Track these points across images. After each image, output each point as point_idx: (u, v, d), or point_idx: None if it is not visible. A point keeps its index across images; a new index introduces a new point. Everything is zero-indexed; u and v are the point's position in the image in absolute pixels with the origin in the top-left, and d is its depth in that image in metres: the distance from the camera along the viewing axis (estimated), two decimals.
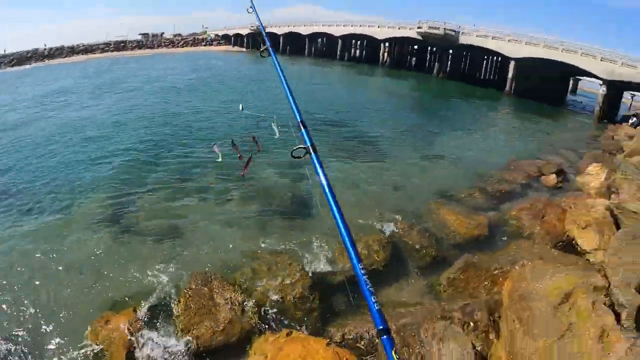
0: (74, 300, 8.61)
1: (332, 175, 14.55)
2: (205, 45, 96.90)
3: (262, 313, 8.18)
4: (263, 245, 10.27)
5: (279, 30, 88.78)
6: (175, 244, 10.51)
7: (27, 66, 69.94)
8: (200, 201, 12.89)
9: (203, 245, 10.43)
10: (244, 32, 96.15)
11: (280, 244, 10.29)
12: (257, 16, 5.85)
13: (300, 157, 2.83)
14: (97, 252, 10.13)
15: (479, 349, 6.49)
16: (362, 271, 2.16)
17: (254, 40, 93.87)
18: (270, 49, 4.72)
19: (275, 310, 8.31)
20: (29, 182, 14.36)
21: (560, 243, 11.00)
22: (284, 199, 12.76)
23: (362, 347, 7.12)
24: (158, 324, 7.96)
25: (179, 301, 8.35)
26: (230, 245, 10.32)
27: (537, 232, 11.38)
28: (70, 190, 13.65)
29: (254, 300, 8.33)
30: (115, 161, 16.17)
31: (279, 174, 14.49)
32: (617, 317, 6.55)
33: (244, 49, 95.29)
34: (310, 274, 9.04)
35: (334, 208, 2.46)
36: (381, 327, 1.98)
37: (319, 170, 2.66)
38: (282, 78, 3.85)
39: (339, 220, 2.41)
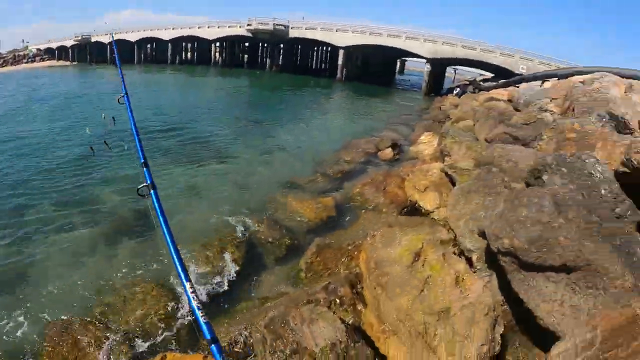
0: None
1: (172, 185, 14.03)
2: (27, 63, 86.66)
3: (132, 344, 7.56)
4: (117, 273, 9.45)
5: (106, 39, 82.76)
6: (19, 292, 9.24)
7: None
8: (40, 237, 11.56)
9: (51, 287, 9.26)
10: (69, 43, 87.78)
11: (135, 266, 9.54)
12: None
13: (144, 196, 3.15)
14: None
15: (350, 322, 6.58)
16: (190, 289, 2.41)
17: (80, 52, 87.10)
18: (125, 97, 5.15)
19: (143, 337, 7.76)
20: None
21: (405, 209, 11.63)
22: (127, 221, 11.86)
23: (239, 350, 6.90)
24: None
25: (42, 356, 7.43)
26: (80, 281, 9.34)
27: (382, 203, 11.91)
28: None
29: (119, 334, 7.69)
30: None
31: (120, 194, 13.49)
32: (469, 262, 7.11)
33: (69, 63, 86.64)
34: (168, 292, 8.55)
35: (167, 236, 2.75)
36: (210, 337, 2.26)
37: (156, 205, 3.00)
38: (132, 121, 4.42)
39: (171, 247, 2.68)
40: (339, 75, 56.04)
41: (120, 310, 8.28)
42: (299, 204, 12.14)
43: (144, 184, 3.19)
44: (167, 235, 2.72)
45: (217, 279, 8.95)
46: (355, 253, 8.76)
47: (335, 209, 11.81)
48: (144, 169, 3.45)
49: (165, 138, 20.96)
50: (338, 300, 7.13)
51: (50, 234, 11.23)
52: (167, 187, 13.64)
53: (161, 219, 2.82)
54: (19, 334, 7.85)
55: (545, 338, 5.50)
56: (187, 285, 2.43)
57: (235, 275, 9.18)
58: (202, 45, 76.24)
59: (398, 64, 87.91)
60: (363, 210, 11.71)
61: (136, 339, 7.62)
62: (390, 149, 18.18)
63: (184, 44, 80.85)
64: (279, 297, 8.07)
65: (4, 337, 7.74)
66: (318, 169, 15.94)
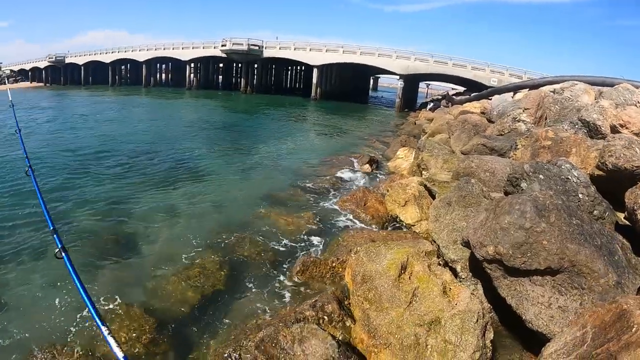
0: None
1: (149, 208, 13.89)
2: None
3: None
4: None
5: (80, 60, 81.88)
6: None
7: None
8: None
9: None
10: (42, 64, 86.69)
11: (107, 294, 9.28)
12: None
13: (61, 258, 3.25)
14: None
15: (340, 338, 6.58)
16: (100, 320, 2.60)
17: (54, 73, 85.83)
18: (30, 169, 5.30)
19: None
20: None
21: (386, 224, 11.73)
22: (102, 245, 11.56)
23: None
24: None
25: None
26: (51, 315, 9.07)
27: (363, 218, 12.00)
28: None
29: None
30: None
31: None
32: (454, 272, 7.19)
33: (42, 84, 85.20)
34: (150, 316, 8.39)
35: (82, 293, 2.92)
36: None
37: (69, 266, 3.13)
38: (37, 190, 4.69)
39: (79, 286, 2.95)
40: (313, 94, 56.56)
41: (99, 337, 8.08)
42: (280, 219, 12.17)
43: (57, 249, 3.30)
44: (82, 292, 2.90)
45: (200, 300, 8.87)
46: (341, 270, 8.78)
47: (317, 225, 11.85)
48: (54, 235, 3.54)
49: (140, 160, 20.75)
50: (326, 317, 7.10)
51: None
52: (144, 210, 13.53)
53: (76, 281, 2.96)
54: None
55: (535, 340, 5.59)
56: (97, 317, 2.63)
57: (219, 294, 9.09)
58: (177, 66, 76.09)
59: (371, 81, 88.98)
60: (345, 226, 11.77)
61: None
62: (368, 165, 18.37)
63: (158, 65, 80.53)
64: (266, 316, 8.02)
65: None
66: (298, 184, 16.02)
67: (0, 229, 11.42)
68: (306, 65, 59.78)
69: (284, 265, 9.93)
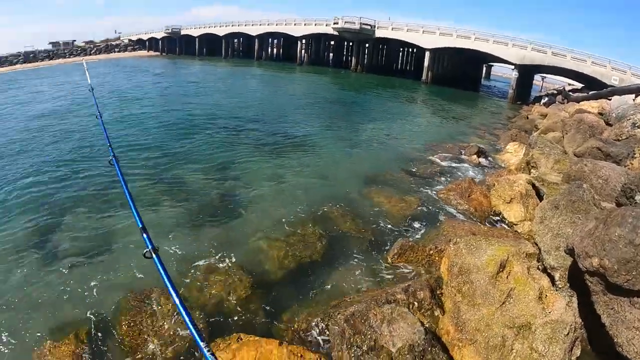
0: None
1: (258, 174, 14.75)
2: (118, 52, 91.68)
3: (208, 322, 8.02)
4: (196, 252, 10.02)
5: (195, 32, 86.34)
6: (103, 260, 9.96)
7: None
8: (122, 211, 12.34)
9: (135, 259, 10.00)
10: (159, 35, 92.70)
11: (211, 249, 10.02)
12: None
13: (150, 257, 3.11)
14: (26, 281, 9.49)
15: (427, 325, 6.68)
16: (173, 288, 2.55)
17: (169, 44, 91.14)
18: (114, 159, 4.70)
19: (221, 317, 8.18)
20: None
21: (489, 219, 11.57)
22: (211, 203, 12.40)
23: (314, 339, 7.18)
24: (102, 348, 7.64)
25: (121, 321, 8.05)
26: (163, 256, 9.94)
27: (466, 210, 11.91)
28: None
29: (197, 311, 8.18)
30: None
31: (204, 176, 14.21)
32: (551, 279, 6.99)
33: (158, 54, 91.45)
34: (248, 275, 8.95)
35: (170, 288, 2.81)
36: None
37: (160, 268, 3.00)
38: (125, 187, 4.10)
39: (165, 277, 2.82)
40: (424, 77, 55.39)
41: (198, 286, 8.78)
42: (384, 200, 12.42)
43: (146, 250, 3.17)
44: (170, 287, 2.81)
45: (296, 268, 9.33)
46: (437, 258, 8.85)
47: (419, 210, 11.96)
48: (144, 234, 3.35)
49: (250, 128, 21.81)
50: (417, 303, 7.23)
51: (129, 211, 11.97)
52: (251, 175, 14.45)
53: (165, 278, 2.89)
54: (105, 286, 8.78)
55: None
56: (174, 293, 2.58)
57: (315, 264, 9.52)
58: (288, 41, 77.56)
59: (484, 68, 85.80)
60: (446, 215, 11.74)
61: (212, 317, 8.05)
62: (475, 156, 18.01)
63: (270, 39, 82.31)
64: (358, 292, 8.30)
65: (92, 291, 8.69)
66: (403, 167, 16.15)
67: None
68: (418, 47, 58.50)
69: (381, 246, 10.15)
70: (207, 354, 2.21)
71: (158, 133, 19.72)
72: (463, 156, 18.28)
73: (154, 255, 3.08)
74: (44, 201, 12.30)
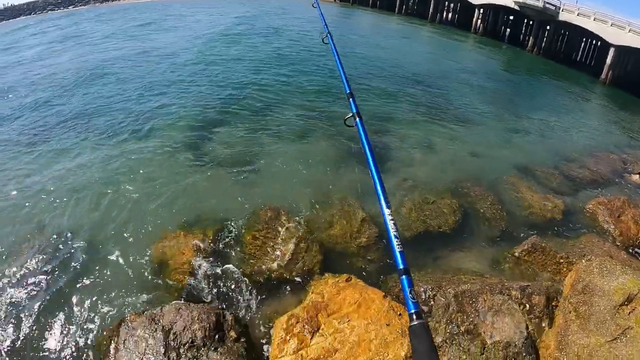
0: (146, 215, 9.50)
1: (409, 134, 15.09)
2: None
3: (325, 255, 8.57)
4: (332, 188, 10.57)
5: None
6: (248, 177, 11.12)
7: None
8: (276, 139, 13.36)
9: (276, 182, 10.95)
10: None
11: (349, 191, 10.54)
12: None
13: (351, 126, 3.13)
14: (175, 176, 10.92)
15: (530, 331, 6.63)
16: (390, 217, 2.34)
17: None
18: (329, 36, 4.95)
19: (338, 254, 8.69)
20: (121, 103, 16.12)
21: (634, 248, 10.73)
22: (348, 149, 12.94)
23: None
24: (224, 250, 8.53)
25: (247, 232, 8.85)
26: (303, 188, 10.69)
27: (611, 231, 11.14)
28: (152, 116, 15.02)
29: (319, 242, 8.74)
30: (198, 95, 17.11)
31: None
32: None
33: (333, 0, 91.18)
34: (376, 226, 9.29)
35: (372, 165, 2.70)
36: (402, 267, 2.16)
37: (362, 133, 2.96)
38: (337, 57, 4.29)
39: (375, 174, 2.63)
40: (603, 76, 49.95)
41: (326, 220, 9.47)
42: (528, 193, 12.07)
43: (350, 115, 3.18)
44: (371, 162, 2.70)
45: (422, 232, 9.56)
46: (564, 269, 8.59)
47: (562, 214, 11.45)
48: (350, 99, 3.38)
49: (411, 86, 21.81)
50: (528, 306, 7.17)
51: (286, 141, 13.43)
52: (406, 133, 14.58)
53: (366, 147, 2.81)
54: (242, 201, 10.08)
55: None
56: (387, 212, 2.39)
57: (442, 235, 9.71)
58: (465, 7, 73.73)
59: None
60: (588, 229, 11.12)
61: (330, 252, 8.71)
62: (638, 176, 16.55)
63: (446, 3, 78.81)
64: (475, 275, 8.37)
65: (230, 201, 10.14)
66: (558, 166, 15.34)
67: None
68: (602, 41, 52.56)
69: (512, 238, 10.09)
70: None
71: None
72: (625, 173, 16.85)
73: (357, 120, 3.11)
74: None
